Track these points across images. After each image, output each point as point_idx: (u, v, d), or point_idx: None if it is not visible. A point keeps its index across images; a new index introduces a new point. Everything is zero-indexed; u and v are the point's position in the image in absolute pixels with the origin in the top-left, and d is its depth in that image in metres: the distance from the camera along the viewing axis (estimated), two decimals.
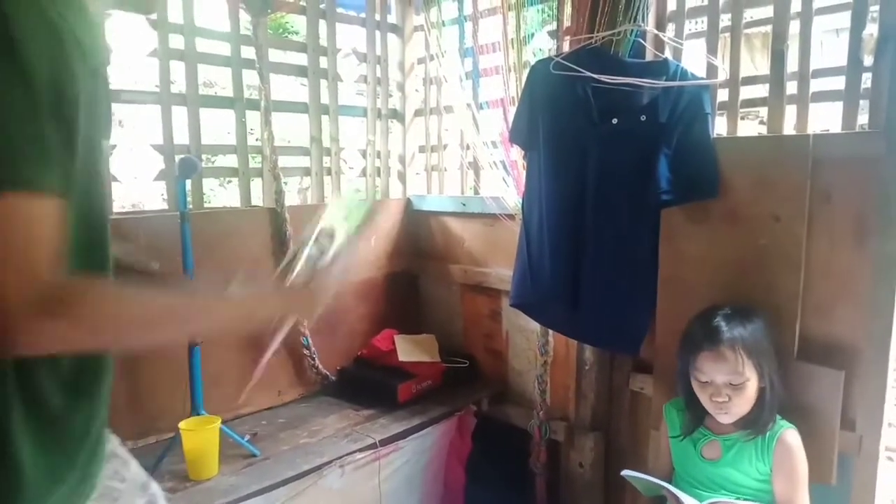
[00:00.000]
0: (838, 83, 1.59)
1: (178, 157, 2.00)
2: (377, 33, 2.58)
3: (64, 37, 0.65)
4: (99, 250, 0.82)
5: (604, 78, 1.71)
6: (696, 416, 1.54)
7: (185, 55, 2.05)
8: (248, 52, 2.18)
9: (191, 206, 1.99)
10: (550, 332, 2.10)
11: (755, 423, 1.45)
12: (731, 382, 1.42)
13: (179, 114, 2.05)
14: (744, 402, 1.43)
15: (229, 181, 2.48)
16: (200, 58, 2.09)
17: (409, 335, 2.41)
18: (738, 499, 1.46)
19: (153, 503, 1.06)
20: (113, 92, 1.91)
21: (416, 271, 2.67)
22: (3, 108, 0.62)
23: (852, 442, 1.50)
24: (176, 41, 2.02)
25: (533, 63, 1.89)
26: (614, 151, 1.74)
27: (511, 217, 2.19)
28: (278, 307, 0.95)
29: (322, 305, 0.96)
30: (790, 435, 1.44)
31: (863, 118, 1.57)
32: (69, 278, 0.68)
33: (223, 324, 0.87)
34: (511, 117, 2.00)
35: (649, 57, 1.81)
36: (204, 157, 2.13)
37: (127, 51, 2.01)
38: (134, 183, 2.05)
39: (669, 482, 1.61)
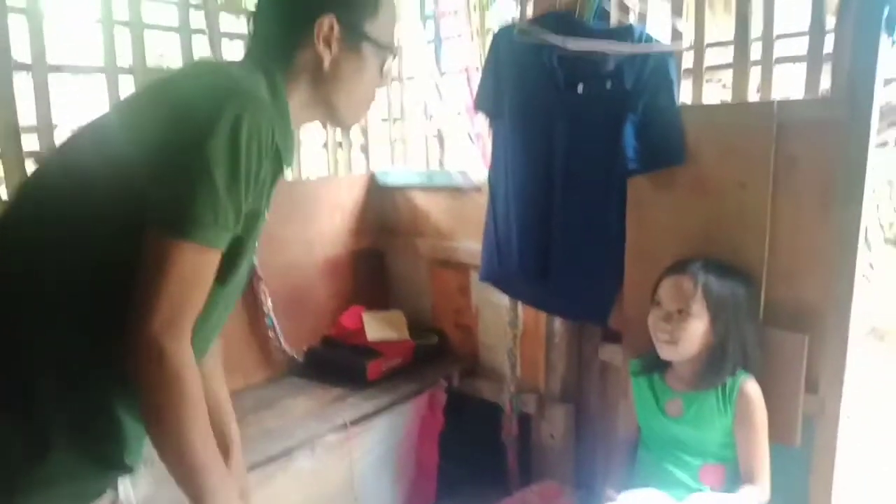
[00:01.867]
0: (801, 48, 1.59)
1: None
2: None
3: (282, 155, 0.92)
4: (234, 297, 1.00)
5: (569, 44, 1.68)
6: (656, 359, 1.55)
7: (131, 24, 1.94)
8: (199, 20, 2.08)
9: None
10: (520, 305, 2.08)
11: (707, 374, 1.47)
12: (680, 310, 1.44)
13: (126, 84, 1.95)
14: (686, 339, 1.45)
15: None
16: (147, 26, 1.98)
17: (377, 312, 2.38)
18: (703, 456, 1.48)
19: None
20: (54, 65, 1.82)
21: (383, 247, 2.62)
22: (224, 201, 0.82)
23: (815, 404, 1.53)
24: (121, 9, 1.91)
25: (496, 29, 1.84)
26: (580, 119, 1.71)
27: (478, 190, 2.16)
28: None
29: None
30: (750, 386, 1.46)
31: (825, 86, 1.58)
32: (189, 347, 0.85)
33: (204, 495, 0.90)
34: (476, 85, 1.96)
35: (614, 22, 1.78)
36: None
37: (69, 20, 1.89)
38: None
39: (637, 444, 1.63)
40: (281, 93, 0.97)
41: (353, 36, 1.00)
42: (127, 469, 0.97)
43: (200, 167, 0.81)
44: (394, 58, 1.08)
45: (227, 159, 0.82)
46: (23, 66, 1.76)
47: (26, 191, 0.98)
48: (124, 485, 1.00)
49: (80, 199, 0.87)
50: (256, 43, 1.02)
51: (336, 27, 0.98)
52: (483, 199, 2.02)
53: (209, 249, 0.84)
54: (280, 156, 0.92)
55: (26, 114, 1.78)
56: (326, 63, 0.99)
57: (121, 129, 0.91)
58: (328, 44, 0.98)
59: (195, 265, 0.83)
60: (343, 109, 1.06)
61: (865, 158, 1.43)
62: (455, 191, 2.28)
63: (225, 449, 1.18)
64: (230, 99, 0.83)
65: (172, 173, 0.82)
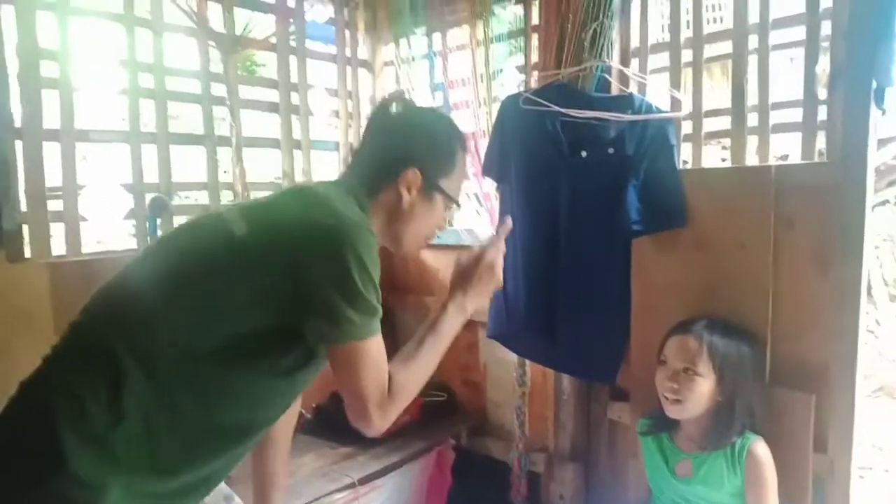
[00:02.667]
0: (796, 115, 1.66)
1: (148, 196, 1.99)
2: (348, 68, 2.60)
3: (375, 258, 1.07)
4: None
5: (572, 112, 1.76)
6: (664, 419, 1.57)
7: (155, 93, 2.04)
8: (218, 90, 2.19)
9: None
10: (527, 362, 2.10)
11: (715, 433, 1.48)
12: (686, 369, 1.46)
13: (148, 151, 2.03)
14: (693, 399, 1.46)
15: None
16: (170, 95, 2.08)
17: None
18: None
19: None
20: (81, 132, 1.91)
21: (391, 305, 2.65)
22: (371, 299, 1.05)
23: (825, 464, 1.53)
24: (145, 79, 2.02)
25: (503, 98, 1.92)
26: (584, 183, 1.78)
27: None
28: (473, 300, 1.26)
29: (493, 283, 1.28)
30: (759, 447, 1.46)
31: (821, 145, 1.64)
32: (390, 387, 1.08)
33: (453, 333, 1.23)
34: (482, 151, 2.03)
35: (615, 91, 1.86)
36: (174, 194, 2.11)
37: (95, 89, 1.99)
38: (102, 222, 2.01)
39: None
40: (367, 219, 1.15)
41: (430, 187, 1.22)
42: None
43: (357, 288, 1.01)
44: (459, 207, 1.30)
45: (366, 277, 1.03)
46: (52, 135, 1.85)
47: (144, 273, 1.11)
48: None
49: (190, 294, 1.04)
50: (353, 175, 1.23)
51: (419, 178, 1.19)
52: None
53: (377, 335, 1.06)
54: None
55: (53, 176, 1.86)
56: (405, 204, 1.20)
57: (238, 243, 1.06)
58: (409, 190, 1.19)
59: (375, 351, 1.05)
60: (407, 242, 1.26)
61: (863, 218, 1.48)
62: (463, 249, 2.31)
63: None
64: (347, 231, 1.03)
65: (331, 298, 1.01)
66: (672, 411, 1.50)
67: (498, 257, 1.27)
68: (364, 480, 1.91)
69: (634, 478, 1.80)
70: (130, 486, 1.00)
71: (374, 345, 1.05)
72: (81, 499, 0.97)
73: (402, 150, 1.21)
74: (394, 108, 1.28)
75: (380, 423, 1.05)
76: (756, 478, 1.45)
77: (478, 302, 1.26)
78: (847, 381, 1.50)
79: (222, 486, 1.34)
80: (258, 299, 1.03)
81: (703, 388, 1.47)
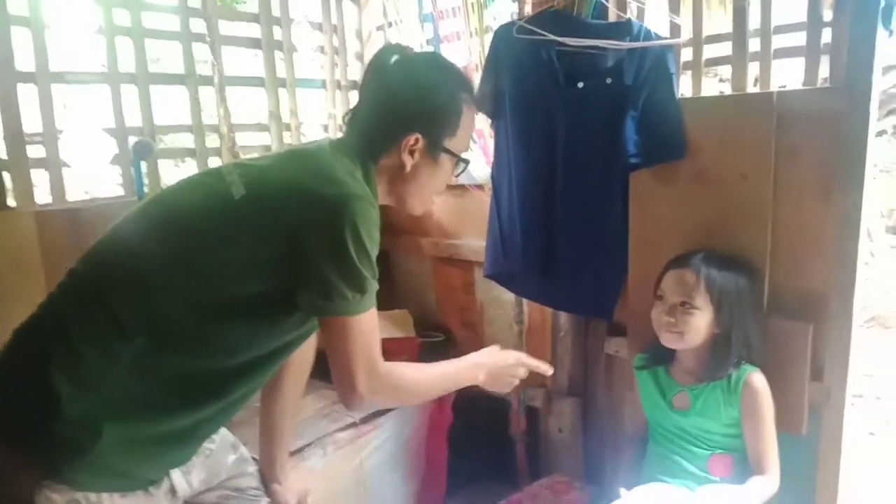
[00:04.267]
0: (799, 40, 1.60)
1: (131, 140, 1.93)
2: (332, 0, 2.49)
3: (375, 233, 1.08)
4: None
5: (568, 41, 1.69)
6: (661, 353, 1.58)
7: (132, 31, 1.95)
8: (198, 25, 2.09)
9: (148, 191, 1.92)
10: (525, 300, 2.10)
11: (712, 365, 1.49)
12: (683, 302, 1.46)
13: (128, 93, 1.96)
14: (690, 331, 1.46)
15: (183, 161, 2.41)
16: (148, 33, 2.00)
17: (382, 311, 2.38)
18: (711, 447, 1.50)
19: (244, 459, 1.38)
20: (57, 74, 1.83)
21: (386, 246, 2.59)
22: (366, 275, 1.05)
23: (821, 392, 1.54)
24: (121, 17, 1.93)
25: (496, 28, 1.85)
26: (581, 115, 1.72)
27: (480, 187, 2.17)
28: (487, 379, 1.33)
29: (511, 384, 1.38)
30: (755, 378, 1.47)
31: (823, 72, 1.58)
32: (387, 367, 1.11)
33: (461, 384, 1.30)
34: (475, 85, 1.96)
35: (612, 17, 1.79)
36: (157, 137, 2.05)
37: (69, 27, 1.90)
38: (86, 169, 1.96)
39: (645, 438, 1.65)
40: (372, 183, 1.17)
41: (434, 149, 1.20)
42: (178, 464, 1.18)
43: (353, 264, 1.02)
44: (466, 164, 1.28)
45: (362, 252, 1.03)
46: (27, 77, 1.78)
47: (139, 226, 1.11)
48: (176, 474, 1.17)
49: (188, 251, 1.05)
50: (353, 136, 1.22)
51: (421, 142, 1.17)
52: (486, 197, 2.04)
53: (371, 310, 1.07)
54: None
55: (32, 122, 1.80)
56: (408, 168, 1.19)
57: (237, 206, 1.06)
58: (411, 154, 1.18)
59: (368, 325, 1.07)
60: (412, 202, 1.28)
61: (865, 147, 1.44)
62: (458, 188, 2.29)
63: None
64: (347, 205, 1.03)
65: (326, 273, 1.01)
66: (670, 341, 1.51)
67: (522, 371, 1.39)
68: (365, 420, 1.93)
69: (632, 411, 1.82)
70: (126, 430, 1.02)
71: (366, 320, 1.06)
72: (76, 442, 0.98)
73: (402, 114, 1.17)
74: (392, 60, 1.20)
75: (366, 394, 1.06)
76: (753, 408, 1.46)
77: (488, 382, 1.34)
78: (845, 310, 1.50)
79: (227, 434, 1.35)
80: (254, 263, 1.03)
81: (701, 321, 1.46)
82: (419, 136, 1.17)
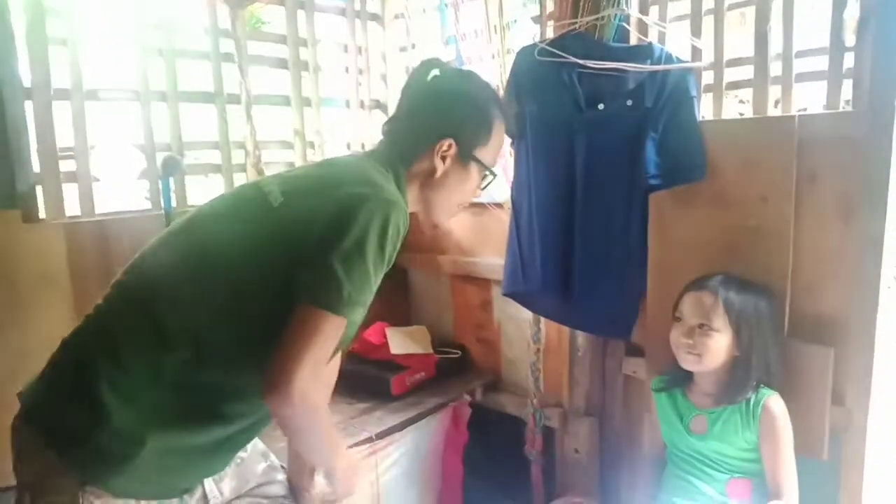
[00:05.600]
0: (821, 64, 1.61)
1: (160, 156, 1.98)
2: (357, 22, 2.55)
3: (398, 243, 1.09)
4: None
5: (589, 63, 1.71)
6: (679, 376, 1.57)
7: (164, 51, 2.01)
8: (226, 46, 2.15)
9: (174, 205, 1.97)
10: (542, 319, 2.10)
11: (730, 388, 1.48)
12: (701, 325, 1.46)
13: (158, 110, 2.02)
14: (709, 354, 1.46)
15: (206, 176, 2.46)
16: (179, 53, 2.05)
17: (400, 327, 2.40)
18: (729, 471, 1.49)
19: (273, 467, 1.39)
20: (90, 91, 1.89)
21: (405, 263, 2.65)
22: (372, 284, 1.05)
23: (843, 417, 1.53)
24: (153, 36, 1.99)
25: (517, 50, 1.87)
26: (602, 137, 1.74)
27: (499, 206, 2.19)
28: (346, 471, 1.32)
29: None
30: (774, 402, 1.46)
31: (846, 96, 1.59)
32: (322, 385, 1.14)
33: (326, 460, 1.25)
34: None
35: (633, 41, 1.81)
36: (185, 153, 2.10)
37: (103, 47, 1.97)
38: (115, 183, 2.02)
39: (663, 459, 1.64)
40: (404, 189, 1.21)
41: (465, 157, 1.24)
42: (213, 473, 1.21)
43: (362, 264, 1.01)
44: (494, 177, 1.30)
45: (378, 256, 1.03)
46: (62, 94, 1.83)
47: (173, 246, 1.13)
48: (209, 483, 1.21)
49: (230, 261, 1.06)
50: (389, 145, 1.25)
51: (454, 148, 1.21)
52: (505, 215, 2.05)
53: (348, 321, 1.03)
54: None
55: (65, 137, 1.85)
56: (439, 173, 1.23)
57: (275, 213, 1.09)
58: (443, 159, 1.22)
59: (337, 332, 1.02)
60: (438, 209, 1.30)
61: (888, 170, 1.44)
62: (477, 206, 2.31)
63: None
64: (380, 205, 1.04)
65: (334, 264, 0.99)
66: (688, 363, 1.50)
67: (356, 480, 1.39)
68: (381, 435, 1.94)
69: (649, 432, 1.81)
70: (166, 441, 1.04)
71: (340, 326, 1.02)
72: (120, 451, 1.01)
73: (438, 120, 1.22)
74: (430, 74, 1.26)
75: (296, 393, 0.97)
76: (771, 433, 1.45)
77: (344, 475, 1.34)
78: (867, 334, 1.49)
79: (258, 442, 1.38)
80: (294, 267, 1.03)
81: (720, 343, 1.46)
82: (452, 141, 1.21)
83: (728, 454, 1.49)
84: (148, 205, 2.07)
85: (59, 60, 1.81)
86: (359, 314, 1.07)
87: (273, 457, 1.41)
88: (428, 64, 1.28)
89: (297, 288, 1.01)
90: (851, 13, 1.54)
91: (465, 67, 2.30)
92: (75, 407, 1.01)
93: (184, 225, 1.15)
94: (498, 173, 1.34)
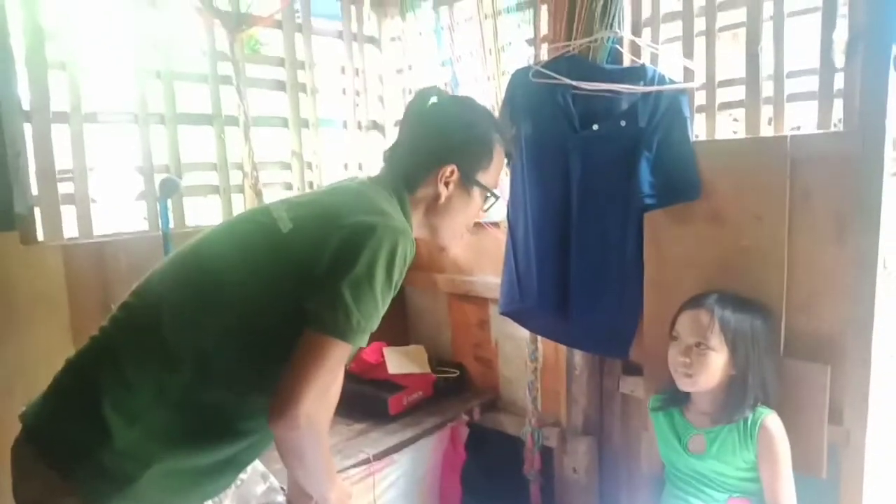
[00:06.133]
0: (812, 84, 1.63)
1: (158, 177, 1.99)
2: (354, 44, 2.58)
3: (405, 270, 1.10)
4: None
5: (583, 85, 1.73)
6: (676, 395, 1.57)
7: (162, 73, 2.03)
8: (224, 69, 2.17)
9: (172, 226, 1.97)
10: (539, 338, 2.10)
11: (727, 407, 1.48)
12: (698, 343, 1.46)
13: (157, 132, 2.03)
14: (705, 373, 1.46)
15: (205, 197, 2.48)
16: (177, 75, 2.07)
17: (397, 347, 2.40)
18: (728, 490, 1.49)
19: (273, 489, 1.38)
20: (89, 114, 1.90)
21: (402, 282, 2.65)
22: (379, 311, 1.06)
23: (841, 434, 1.53)
24: (152, 60, 2.01)
25: (512, 72, 1.90)
26: (596, 157, 1.76)
27: (496, 225, 2.20)
28: (336, 500, 1.26)
29: None
30: (771, 420, 1.46)
31: (837, 115, 1.61)
32: (326, 410, 1.14)
33: (322, 488, 1.22)
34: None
35: (627, 63, 1.83)
36: (183, 175, 2.11)
37: (102, 70, 1.99)
38: (113, 205, 2.03)
39: (662, 478, 1.63)
40: (409, 215, 1.23)
41: (468, 181, 1.26)
42: (214, 495, 1.21)
43: (370, 291, 1.02)
44: (497, 199, 1.33)
45: (386, 284, 1.05)
46: (60, 117, 1.85)
47: (181, 270, 1.14)
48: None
49: (238, 286, 1.07)
50: (392, 171, 1.27)
51: (456, 174, 1.24)
52: (501, 234, 2.06)
53: (353, 347, 1.05)
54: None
55: (63, 159, 1.87)
56: (443, 198, 1.25)
57: (284, 239, 1.10)
58: (447, 184, 1.24)
59: (343, 358, 1.04)
60: (445, 233, 1.32)
61: (880, 189, 1.45)
62: (473, 226, 2.31)
63: None
64: (388, 233, 1.05)
65: (343, 291, 1.01)
66: (685, 384, 1.50)
67: None
68: (379, 456, 1.93)
69: (647, 451, 1.80)
70: (169, 462, 1.04)
71: (346, 352, 1.04)
72: (122, 472, 1.01)
73: (439, 147, 1.24)
74: (429, 102, 1.29)
75: (303, 418, 0.99)
76: (769, 452, 1.45)
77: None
78: (863, 351, 1.50)
79: (258, 464, 1.37)
80: (298, 298, 1.04)
81: (716, 362, 1.46)
82: (455, 167, 1.23)
83: (727, 473, 1.49)
84: (146, 226, 2.07)
85: (58, 83, 1.83)
86: (365, 340, 1.08)
87: (273, 479, 1.40)
88: (426, 92, 1.30)
89: (307, 314, 1.02)
90: (840, 34, 1.57)
91: (460, 89, 2.33)
92: (78, 427, 1.01)
93: (192, 248, 1.16)
94: (499, 193, 1.35)
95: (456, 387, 2.39)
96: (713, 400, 1.51)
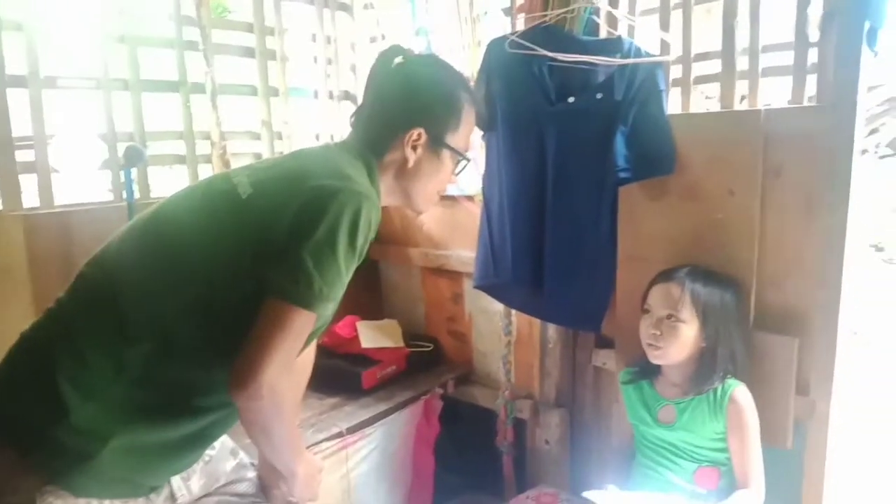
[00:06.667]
0: (787, 59, 1.63)
1: (122, 146, 1.92)
2: (325, 11, 2.51)
3: (370, 236, 1.07)
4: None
5: (559, 56, 1.71)
6: (647, 367, 1.59)
7: (126, 38, 1.95)
8: (191, 34, 2.10)
9: (137, 197, 1.92)
10: (513, 312, 2.11)
11: (697, 379, 1.50)
12: (669, 315, 1.47)
13: (120, 99, 1.96)
14: (675, 345, 1.48)
15: (172, 167, 2.41)
16: (141, 40, 2.00)
17: (371, 321, 2.39)
18: (697, 460, 1.51)
19: (243, 464, 1.37)
20: (49, 79, 1.82)
21: (376, 256, 2.64)
22: (343, 278, 1.04)
23: (806, 406, 1.56)
24: (116, 23, 1.93)
25: (488, 42, 1.87)
26: (572, 130, 1.74)
27: (470, 198, 2.18)
28: (304, 475, 1.25)
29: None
30: (740, 392, 1.48)
31: (810, 91, 1.62)
32: (288, 379, 1.04)
33: (288, 461, 1.20)
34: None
35: (603, 34, 1.81)
36: (148, 143, 2.05)
37: (61, 32, 1.90)
38: (75, 174, 1.96)
39: (632, 450, 1.66)
40: (376, 181, 1.19)
41: (436, 144, 1.22)
42: (180, 471, 1.18)
43: (332, 258, 1.00)
44: (468, 162, 1.30)
45: (349, 250, 1.02)
46: (18, 81, 1.77)
47: (139, 238, 1.11)
48: (176, 481, 1.19)
49: (198, 253, 1.04)
50: (358, 136, 1.24)
51: (423, 137, 1.20)
52: (476, 208, 2.05)
53: (318, 316, 1.02)
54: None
55: (22, 126, 1.79)
56: (411, 163, 1.21)
57: (244, 204, 1.07)
58: (414, 148, 1.20)
59: (306, 327, 1.02)
60: (417, 198, 1.28)
61: (850, 165, 1.47)
62: (447, 199, 2.30)
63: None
64: (351, 198, 1.02)
65: (304, 257, 0.98)
66: (655, 356, 1.52)
67: (320, 478, 1.35)
68: (352, 430, 1.93)
69: (618, 423, 1.83)
70: (130, 438, 1.02)
71: (309, 320, 1.01)
72: (81, 449, 0.98)
73: (404, 109, 1.20)
74: (394, 62, 1.23)
75: (265, 386, 0.97)
76: (738, 423, 1.47)
77: (303, 479, 1.26)
78: (830, 325, 1.52)
79: (227, 440, 1.35)
80: (260, 264, 1.01)
81: (687, 333, 1.48)
82: (422, 130, 1.19)
83: (696, 444, 1.52)
84: (110, 196, 2.01)
85: (14, 45, 1.74)
86: (329, 309, 1.06)
87: (243, 454, 1.38)
88: (391, 52, 1.25)
89: (267, 282, 1.00)
90: (815, 9, 1.57)
91: None
92: (34, 403, 0.98)
93: (150, 216, 1.12)
94: (471, 157, 1.33)
95: (430, 361, 2.39)
96: (683, 372, 1.53)
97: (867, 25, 1.43)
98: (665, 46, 1.76)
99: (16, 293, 1.73)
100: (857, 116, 1.47)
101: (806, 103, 1.61)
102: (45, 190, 1.85)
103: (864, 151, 1.55)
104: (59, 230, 1.81)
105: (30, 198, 1.84)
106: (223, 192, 1.10)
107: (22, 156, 1.80)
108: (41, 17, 1.79)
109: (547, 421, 2.08)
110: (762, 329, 1.60)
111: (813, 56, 1.58)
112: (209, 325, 1.03)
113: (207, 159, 2.18)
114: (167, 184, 2.50)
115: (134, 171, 1.88)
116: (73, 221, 1.83)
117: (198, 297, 1.03)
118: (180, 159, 2.17)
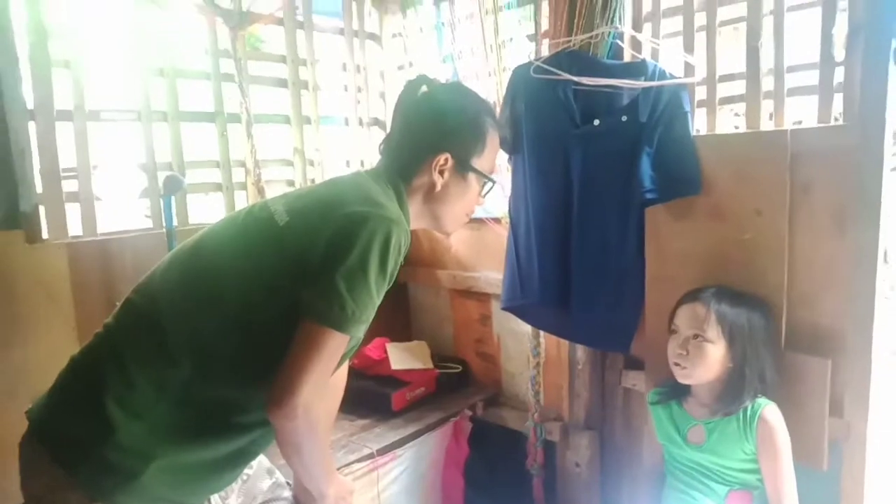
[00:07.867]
0: (812, 78, 1.63)
1: (161, 175, 2.00)
2: (355, 41, 2.58)
3: (400, 260, 1.12)
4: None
5: (584, 80, 1.74)
6: (676, 387, 1.58)
7: (165, 71, 2.04)
8: (227, 66, 2.18)
9: (176, 223, 1.98)
10: (542, 333, 2.11)
11: (726, 399, 1.49)
12: (695, 335, 1.47)
13: (160, 130, 2.04)
14: (702, 365, 1.47)
15: (206, 194, 2.49)
16: (180, 73, 2.08)
17: (400, 343, 2.41)
18: (728, 482, 1.50)
19: (279, 484, 1.40)
20: (93, 112, 1.91)
21: (405, 278, 2.67)
22: (374, 301, 1.08)
23: (841, 427, 1.53)
24: (155, 57, 2.02)
25: (513, 68, 1.90)
26: (597, 152, 1.76)
27: (497, 220, 2.21)
28: (335, 496, 1.29)
29: None
30: (770, 411, 1.47)
31: (837, 109, 1.61)
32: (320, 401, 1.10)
33: (319, 482, 1.23)
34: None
35: (627, 58, 1.84)
36: (186, 172, 2.12)
37: (105, 68, 2.00)
38: (116, 202, 2.04)
39: (663, 472, 1.64)
40: (405, 205, 1.24)
41: (463, 168, 1.27)
42: (220, 489, 1.22)
43: (364, 282, 1.04)
44: (493, 184, 1.33)
45: (380, 274, 1.06)
46: (64, 115, 1.86)
47: (184, 261, 1.16)
48: (215, 499, 1.23)
49: (238, 276, 1.09)
50: (387, 162, 1.29)
51: (450, 161, 1.24)
52: (502, 230, 2.07)
53: (351, 337, 1.07)
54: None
55: (67, 158, 1.88)
56: (438, 186, 1.26)
57: (281, 232, 1.12)
58: (441, 173, 1.25)
59: (339, 348, 1.06)
60: (445, 220, 1.33)
61: (880, 183, 1.46)
62: (475, 222, 2.32)
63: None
64: (381, 223, 1.06)
65: (337, 282, 1.02)
66: (682, 376, 1.51)
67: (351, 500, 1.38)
68: (382, 451, 1.94)
69: (649, 446, 1.81)
70: (172, 458, 1.06)
71: (343, 342, 1.06)
72: (126, 467, 1.02)
73: (431, 136, 1.25)
74: (419, 91, 1.30)
75: (300, 408, 1.01)
76: (768, 443, 1.45)
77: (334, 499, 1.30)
78: (863, 344, 1.50)
79: (264, 459, 1.39)
80: (298, 283, 1.05)
81: (713, 353, 1.47)
82: (448, 155, 1.24)
83: (727, 465, 1.50)
84: (149, 223, 2.09)
85: (61, 82, 1.83)
86: (361, 330, 1.09)
87: (279, 474, 1.42)
88: (416, 81, 1.31)
89: (302, 304, 1.04)
90: (840, 28, 1.57)
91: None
92: (82, 422, 1.03)
93: (193, 244, 1.17)
94: (497, 179, 1.36)
95: (458, 382, 2.40)
96: (711, 391, 1.52)
97: (894, 43, 1.43)
98: (689, 68, 1.78)
99: (60, 318, 1.80)
100: (886, 132, 1.46)
101: (833, 122, 1.60)
102: (89, 218, 1.93)
103: (894, 168, 1.53)
104: (101, 257, 1.88)
105: (73, 226, 1.91)
106: (262, 219, 1.15)
107: (67, 186, 1.88)
108: (87, 55, 1.88)
109: (577, 443, 2.07)
110: (794, 349, 1.58)
111: (839, 75, 1.58)
112: (245, 350, 1.08)
113: (242, 186, 2.24)
114: (204, 210, 2.57)
115: (173, 199, 1.94)
116: (114, 248, 1.90)
117: (234, 323, 1.07)
118: (217, 187, 2.25)
